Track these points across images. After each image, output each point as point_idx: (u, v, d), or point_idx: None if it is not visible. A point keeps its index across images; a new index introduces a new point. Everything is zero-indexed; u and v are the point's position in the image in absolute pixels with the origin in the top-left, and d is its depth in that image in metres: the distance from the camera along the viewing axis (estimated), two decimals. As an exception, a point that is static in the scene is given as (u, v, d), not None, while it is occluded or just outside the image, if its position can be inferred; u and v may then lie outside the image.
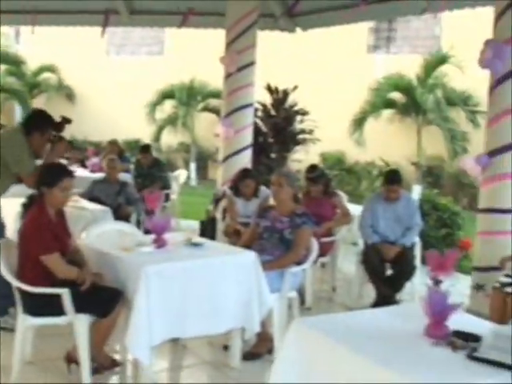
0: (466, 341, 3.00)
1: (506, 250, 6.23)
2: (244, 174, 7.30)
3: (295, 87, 12.11)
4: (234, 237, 6.75)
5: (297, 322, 3.45)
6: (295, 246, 5.23)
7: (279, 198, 5.43)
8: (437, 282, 3.32)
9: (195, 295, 4.49)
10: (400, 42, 18.04)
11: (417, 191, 14.97)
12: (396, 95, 16.08)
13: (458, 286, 7.97)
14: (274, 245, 5.29)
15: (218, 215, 7.76)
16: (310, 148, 13.06)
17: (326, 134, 16.49)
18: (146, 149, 10.86)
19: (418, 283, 6.67)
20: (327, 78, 17.55)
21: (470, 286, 6.82)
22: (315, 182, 7.00)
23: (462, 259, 9.05)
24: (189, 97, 19.14)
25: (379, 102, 15.66)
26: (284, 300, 5.16)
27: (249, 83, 9.99)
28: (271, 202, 5.66)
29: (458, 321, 3.16)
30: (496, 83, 6.44)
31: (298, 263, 5.30)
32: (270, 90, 12.00)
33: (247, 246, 5.35)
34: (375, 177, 16.86)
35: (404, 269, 6.43)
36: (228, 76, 9.92)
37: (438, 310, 3.07)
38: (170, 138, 19.88)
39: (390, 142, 16.58)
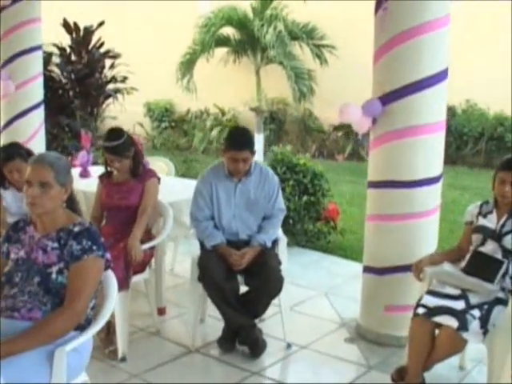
0: None
1: (407, 244, 4.22)
2: (5, 153, 4.67)
3: (101, 23, 9.36)
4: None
5: None
6: (71, 297, 2.76)
7: (42, 207, 2.90)
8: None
9: None
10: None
11: (259, 142, 12.79)
12: (229, 30, 13.69)
13: (322, 274, 5.97)
14: (34, 295, 2.81)
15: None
16: (130, 99, 10.49)
17: (150, 80, 14.03)
18: None
19: (286, 298, 4.46)
20: (147, 14, 14.89)
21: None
22: (119, 154, 4.49)
23: (329, 233, 7.07)
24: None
25: (210, 40, 13.16)
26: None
27: (33, 18, 7.40)
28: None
29: None
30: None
31: (81, 327, 2.86)
32: (68, 27, 9.15)
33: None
34: (210, 127, 14.61)
35: (265, 281, 4.16)
36: (1, 10, 7.28)
37: None
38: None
39: (225, 86, 14.31)
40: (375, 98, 4.28)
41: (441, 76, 4.24)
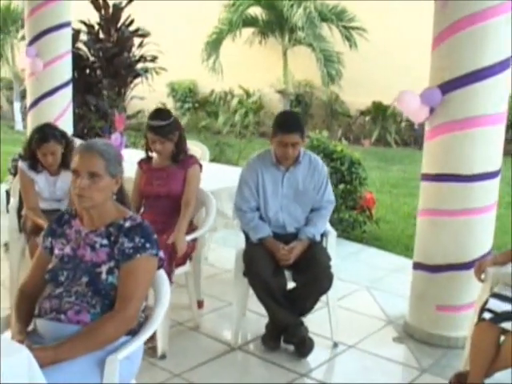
0: None
1: (463, 241, 4.01)
2: (40, 134, 4.44)
3: (131, 0, 9.13)
4: (36, 236, 4.04)
5: None
6: (123, 300, 2.55)
7: (91, 200, 2.67)
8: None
9: None
10: None
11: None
12: (257, 10, 13.39)
13: (362, 267, 5.76)
14: (82, 296, 2.59)
15: (13, 201, 4.88)
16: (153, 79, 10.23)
17: (174, 60, 13.79)
18: None
19: (334, 293, 4.22)
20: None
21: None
22: (163, 136, 4.20)
23: (365, 223, 6.86)
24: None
25: (237, 19, 12.87)
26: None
27: (61, -6, 7.15)
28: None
29: None
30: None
31: (132, 331, 2.65)
32: (97, 3, 8.91)
33: (27, 303, 2.69)
34: (234, 109, 14.36)
35: (314, 278, 3.94)
36: (29, -15, 7.09)
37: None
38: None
39: (251, 67, 14.04)
40: (434, 86, 4.02)
41: (504, 65, 3.98)
